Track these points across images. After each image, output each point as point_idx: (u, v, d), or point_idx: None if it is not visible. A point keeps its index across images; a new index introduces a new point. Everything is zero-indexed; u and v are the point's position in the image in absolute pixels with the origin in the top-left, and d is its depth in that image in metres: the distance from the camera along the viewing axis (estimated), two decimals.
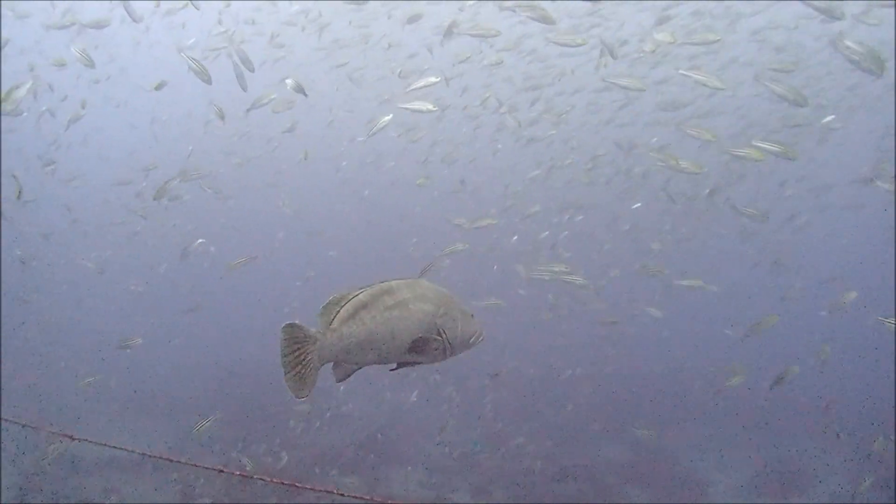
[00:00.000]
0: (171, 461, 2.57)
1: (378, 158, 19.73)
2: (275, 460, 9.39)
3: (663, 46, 8.91)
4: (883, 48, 6.19)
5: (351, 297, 2.62)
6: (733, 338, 13.74)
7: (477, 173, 19.22)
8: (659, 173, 13.41)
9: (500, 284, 14.19)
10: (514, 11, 7.19)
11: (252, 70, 8.16)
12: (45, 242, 17.10)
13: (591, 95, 15.72)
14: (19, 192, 6.96)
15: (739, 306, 17.85)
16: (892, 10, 10.75)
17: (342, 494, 2.37)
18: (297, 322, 2.50)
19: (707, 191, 12.60)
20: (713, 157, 14.28)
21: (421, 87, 7.50)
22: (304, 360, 2.48)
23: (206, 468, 2.35)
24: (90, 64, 8.04)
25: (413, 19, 10.39)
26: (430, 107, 7.41)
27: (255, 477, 2.46)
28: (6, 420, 2.86)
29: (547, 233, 14.13)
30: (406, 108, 7.59)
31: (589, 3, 6.92)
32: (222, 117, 8.66)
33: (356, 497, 2.40)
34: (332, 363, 2.64)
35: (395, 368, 2.81)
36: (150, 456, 2.60)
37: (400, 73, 10.75)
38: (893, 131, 15.38)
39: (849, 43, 4.91)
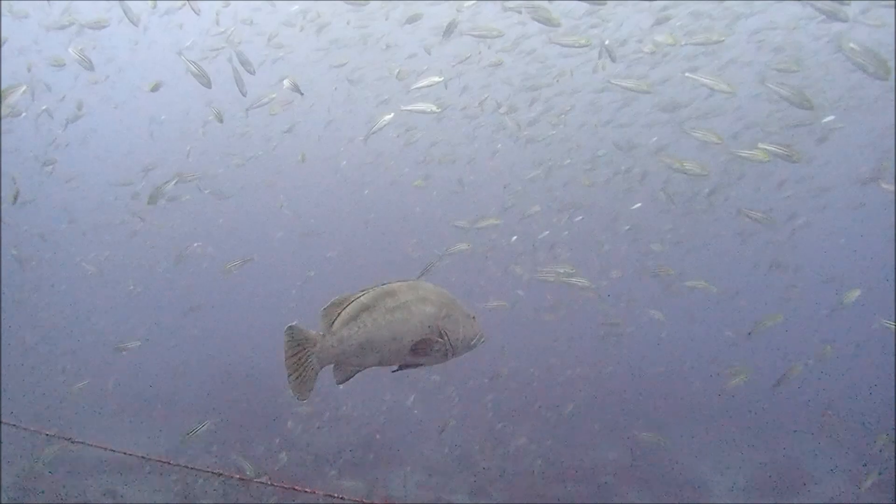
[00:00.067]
0: (170, 464, 2.55)
1: (377, 158, 19.72)
2: (274, 461, 9.37)
3: (662, 47, 8.89)
4: (882, 48, 6.17)
5: (353, 299, 2.61)
6: (733, 338, 13.75)
7: (476, 174, 19.20)
8: (658, 174, 13.41)
9: (499, 285, 14.17)
10: (518, 13, 7.12)
11: (252, 73, 8.10)
12: (43, 243, 17.06)
13: (590, 96, 15.72)
14: (15, 196, 6.89)
15: (740, 307, 17.86)
16: (892, 10, 10.74)
17: (342, 498, 2.35)
18: (297, 324, 2.49)
19: (707, 191, 12.59)
20: (713, 158, 14.29)
21: (424, 87, 7.36)
22: (304, 362, 2.48)
23: (205, 471, 2.33)
24: (89, 66, 7.99)
25: (412, 20, 10.35)
26: (434, 108, 7.29)
27: (253, 481, 2.44)
28: (5, 423, 2.84)
29: (547, 233, 14.11)
30: (409, 110, 7.43)
31: (587, 4, 6.86)
32: (221, 120, 8.61)
33: (355, 500, 2.38)
34: (332, 365, 2.63)
35: (397, 370, 2.80)
36: (148, 459, 2.58)
37: (398, 73, 10.70)
38: (893, 131, 15.38)
39: (854, 46, 4.87)
